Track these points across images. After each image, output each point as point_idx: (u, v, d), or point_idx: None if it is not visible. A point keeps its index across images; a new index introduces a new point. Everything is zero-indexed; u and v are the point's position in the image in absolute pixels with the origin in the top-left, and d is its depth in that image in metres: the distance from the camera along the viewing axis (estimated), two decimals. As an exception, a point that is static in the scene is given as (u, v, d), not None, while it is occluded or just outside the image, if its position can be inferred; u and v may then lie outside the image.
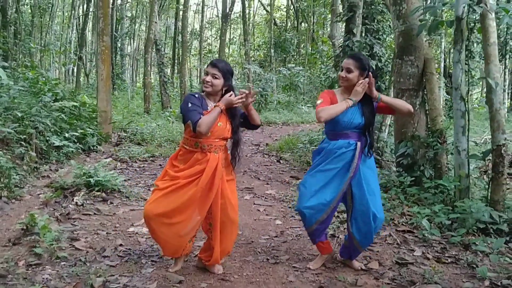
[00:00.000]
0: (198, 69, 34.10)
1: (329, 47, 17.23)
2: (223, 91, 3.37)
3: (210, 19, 34.47)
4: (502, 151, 4.71)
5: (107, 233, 4.36)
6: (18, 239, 4.05)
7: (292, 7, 30.75)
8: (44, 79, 9.53)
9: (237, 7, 29.08)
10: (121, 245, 4.03)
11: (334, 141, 3.45)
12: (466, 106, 4.92)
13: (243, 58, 28.11)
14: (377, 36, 9.21)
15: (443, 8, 5.28)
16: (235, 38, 37.99)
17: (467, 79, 5.12)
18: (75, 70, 23.56)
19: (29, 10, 23.39)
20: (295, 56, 27.68)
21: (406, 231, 4.50)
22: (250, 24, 33.25)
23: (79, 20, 25.75)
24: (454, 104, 5.02)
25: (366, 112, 3.43)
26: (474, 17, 5.20)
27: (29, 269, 3.44)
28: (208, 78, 3.28)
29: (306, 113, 18.29)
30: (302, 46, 27.38)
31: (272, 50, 24.71)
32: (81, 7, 27.22)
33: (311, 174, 3.48)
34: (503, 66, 16.82)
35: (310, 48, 24.54)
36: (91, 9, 22.52)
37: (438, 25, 5.31)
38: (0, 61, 10.88)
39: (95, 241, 4.13)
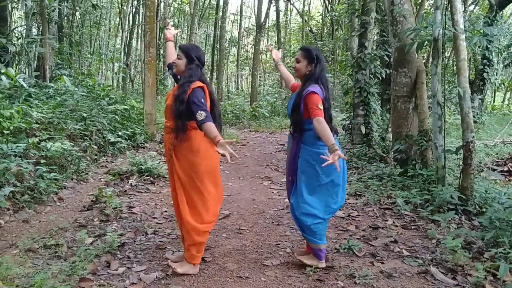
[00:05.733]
0: (236, 75, 35.73)
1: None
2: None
3: (247, 28, 35.93)
4: (470, 147, 5.77)
5: (155, 204, 5.76)
6: (90, 206, 5.50)
7: (328, 15, 31.80)
8: (101, 85, 11.12)
9: (274, 15, 30.47)
10: (165, 211, 5.42)
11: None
12: (442, 110, 6.05)
13: (277, 65, 29.33)
14: (394, 47, 10.33)
15: (425, 30, 6.38)
16: (272, 44, 39.29)
17: (443, 88, 6.20)
18: (122, 77, 25.51)
19: (81, 24, 25.42)
20: (329, 62, 28.69)
21: (386, 208, 5.68)
22: (287, 31, 34.56)
23: (126, 31, 27.65)
24: (432, 108, 6.14)
25: None
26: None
27: (101, 223, 4.85)
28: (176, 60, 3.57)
29: (334, 117, 19.35)
30: (337, 53, 28.34)
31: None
32: (127, 17, 29.19)
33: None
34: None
35: (342, 55, 25.54)
36: (137, 22, 24.30)
37: (424, 44, 6.46)
38: (61, 70, 12.63)
39: (147, 208, 5.53)
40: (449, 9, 6.02)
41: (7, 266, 3.33)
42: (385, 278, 3.58)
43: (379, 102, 10.81)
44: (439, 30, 5.92)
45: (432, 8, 6.75)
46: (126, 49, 25.71)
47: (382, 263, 3.92)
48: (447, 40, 6.10)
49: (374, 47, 10.04)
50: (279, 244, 4.38)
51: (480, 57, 15.48)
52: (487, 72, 14.88)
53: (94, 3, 14.03)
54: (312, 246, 3.70)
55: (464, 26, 5.91)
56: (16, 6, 14.39)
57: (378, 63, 9.76)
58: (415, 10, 7.50)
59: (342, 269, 3.75)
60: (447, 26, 5.99)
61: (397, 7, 6.98)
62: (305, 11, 31.38)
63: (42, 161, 6.08)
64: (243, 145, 12.06)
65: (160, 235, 4.55)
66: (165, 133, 3.60)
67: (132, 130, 10.10)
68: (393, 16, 7.11)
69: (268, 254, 4.11)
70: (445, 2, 6.35)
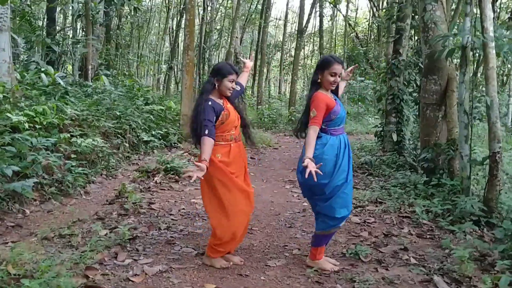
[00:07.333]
0: (279, 79, 35.83)
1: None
2: None
3: (291, 33, 35.95)
4: (497, 158, 5.59)
5: (175, 201, 5.92)
6: (113, 200, 5.72)
7: (374, 21, 31.37)
8: (138, 86, 11.49)
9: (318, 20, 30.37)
10: (183, 209, 5.57)
11: (334, 137, 3.69)
12: (469, 119, 5.90)
13: (320, 70, 29.22)
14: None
15: (455, 37, 6.24)
16: (316, 50, 39.09)
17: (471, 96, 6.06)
18: (165, 78, 26.15)
19: (129, 26, 26.19)
20: (374, 69, 28.30)
21: (405, 216, 5.58)
22: (332, 36, 34.37)
23: (172, 34, 28.31)
24: (459, 116, 6.00)
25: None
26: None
27: (119, 217, 5.04)
28: (234, 85, 3.73)
29: (372, 124, 19.09)
30: (382, 59, 27.88)
31: (345, 64, 25.70)
32: (175, 19, 29.87)
33: (347, 180, 3.70)
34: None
35: (384, 62, 25.17)
36: (182, 25, 24.82)
37: (454, 51, 6.32)
38: (104, 70, 13.11)
39: (166, 205, 5.69)
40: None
41: (20, 251, 3.52)
42: (385, 285, 3.55)
43: (415, 109, 10.60)
44: (468, 37, 5.79)
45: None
46: (172, 51, 26.29)
47: (387, 269, 3.88)
48: (478, 47, 5.93)
49: (410, 54, 9.86)
50: (286, 245, 4.41)
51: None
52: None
53: (135, 6, 14.46)
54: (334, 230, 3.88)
55: (495, 34, 5.75)
56: (64, 7, 15.07)
57: (414, 70, 9.57)
58: (448, 17, 7.33)
59: (344, 273, 3.74)
60: (477, 33, 5.84)
61: (428, 13, 6.87)
62: (351, 17, 31.11)
63: (73, 156, 6.37)
64: (274, 148, 12.12)
65: (172, 230, 4.68)
66: (240, 141, 3.89)
67: (166, 130, 10.36)
68: (425, 22, 6.99)
69: (273, 254, 4.16)
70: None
